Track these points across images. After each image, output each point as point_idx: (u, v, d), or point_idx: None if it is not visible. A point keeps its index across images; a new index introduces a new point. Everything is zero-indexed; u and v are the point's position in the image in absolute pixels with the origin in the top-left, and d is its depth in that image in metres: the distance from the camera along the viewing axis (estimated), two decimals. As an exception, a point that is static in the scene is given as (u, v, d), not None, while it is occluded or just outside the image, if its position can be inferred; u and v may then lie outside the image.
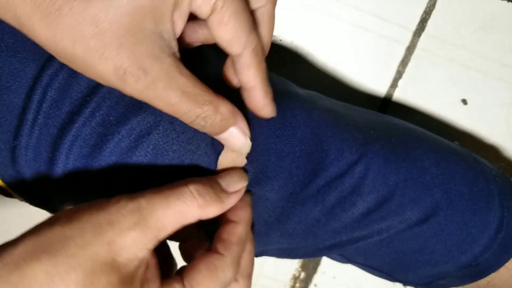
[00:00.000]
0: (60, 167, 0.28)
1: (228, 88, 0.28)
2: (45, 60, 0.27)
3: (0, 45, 0.27)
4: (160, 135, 0.28)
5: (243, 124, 0.27)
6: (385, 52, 0.44)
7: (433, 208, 0.32)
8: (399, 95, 0.46)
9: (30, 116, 0.27)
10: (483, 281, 0.35)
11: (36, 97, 0.27)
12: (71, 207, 0.24)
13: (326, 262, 0.53)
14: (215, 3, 0.23)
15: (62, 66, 0.27)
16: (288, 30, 0.43)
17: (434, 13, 0.43)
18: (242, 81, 0.26)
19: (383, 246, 0.34)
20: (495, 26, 0.43)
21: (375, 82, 0.45)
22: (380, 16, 0.43)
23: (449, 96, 0.46)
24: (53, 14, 0.21)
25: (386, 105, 0.46)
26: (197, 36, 0.28)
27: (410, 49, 0.44)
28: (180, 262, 0.29)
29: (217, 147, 0.29)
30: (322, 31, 0.43)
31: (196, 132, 0.28)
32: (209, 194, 0.25)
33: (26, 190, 0.31)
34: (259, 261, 0.53)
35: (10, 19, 0.22)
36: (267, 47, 0.27)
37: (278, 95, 0.31)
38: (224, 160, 0.29)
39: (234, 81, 0.28)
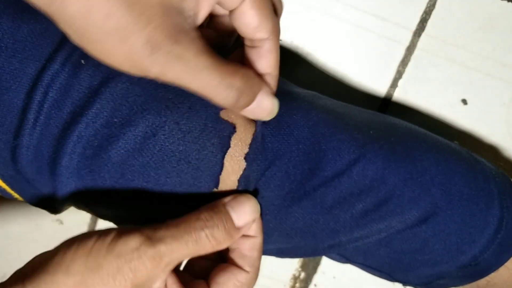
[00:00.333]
0: (63, 168, 0.28)
1: None
2: (45, 60, 0.27)
3: (0, 45, 0.27)
4: (166, 136, 0.28)
5: (267, 85, 0.28)
6: (385, 52, 0.44)
7: (433, 208, 0.32)
8: (399, 95, 0.46)
9: (31, 116, 0.27)
10: (482, 281, 0.35)
11: (37, 97, 0.27)
12: (82, 242, 0.25)
13: (326, 262, 0.53)
14: None
15: (63, 66, 0.27)
16: (288, 30, 0.43)
17: (434, 13, 0.43)
18: (260, 68, 0.27)
19: (383, 246, 0.34)
20: (495, 26, 0.43)
21: (375, 82, 0.45)
22: (380, 16, 0.43)
23: (449, 96, 0.46)
24: None
25: (386, 105, 0.46)
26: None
27: (410, 49, 0.44)
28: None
29: (223, 146, 0.29)
30: (322, 31, 0.43)
31: (201, 131, 0.28)
32: (223, 235, 0.27)
33: (26, 190, 0.31)
34: (259, 261, 0.53)
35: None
36: None
37: (277, 95, 0.31)
38: (229, 159, 0.29)
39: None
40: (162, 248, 0.25)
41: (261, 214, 0.30)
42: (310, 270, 0.53)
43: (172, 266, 0.26)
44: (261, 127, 0.30)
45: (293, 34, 0.44)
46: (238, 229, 0.27)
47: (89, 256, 0.24)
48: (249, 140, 0.29)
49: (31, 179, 0.30)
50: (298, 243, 0.33)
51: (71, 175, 0.29)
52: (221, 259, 0.30)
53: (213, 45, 0.28)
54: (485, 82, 0.45)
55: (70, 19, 0.22)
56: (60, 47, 0.27)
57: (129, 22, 0.22)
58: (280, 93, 0.31)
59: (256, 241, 0.29)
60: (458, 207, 0.33)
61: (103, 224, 0.50)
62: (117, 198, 0.29)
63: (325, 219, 0.31)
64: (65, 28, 0.22)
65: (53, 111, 0.27)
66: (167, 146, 0.28)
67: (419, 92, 0.46)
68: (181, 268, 0.30)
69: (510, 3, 0.42)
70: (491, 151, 0.47)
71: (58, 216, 0.50)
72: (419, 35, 0.44)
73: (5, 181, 0.31)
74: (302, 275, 0.53)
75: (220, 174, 0.29)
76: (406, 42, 0.44)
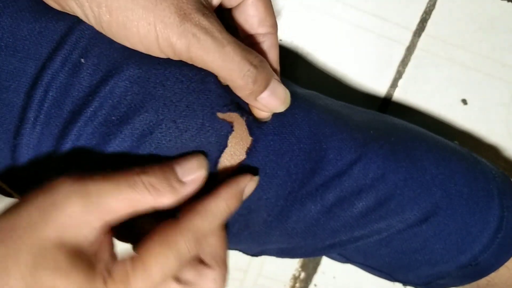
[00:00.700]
0: None
1: None
2: (45, 59, 0.27)
3: (0, 44, 0.27)
4: (162, 134, 0.28)
5: (277, 74, 0.28)
6: (385, 52, 0.44)
7: (433, 208, 0.32)
8: (399, 95, 0.46)
9: (31, 115, 0.27)
10: (483, 281, 0.35)
11: (37, 96, 0.27)
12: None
13: (326, 262, 0.53)
14: None
15: (63, 65, 0.27)
16: (288, 30, 0.43)
17: (434, 13, 0.43)
18: None
19: (383, 246, 0.34)
20: (495, 26, 0.43)
21: (375, 82, 0.45)
22: (380, 16, 0.43)
23: (449, 96, 0.46)
24: None
25: (386, 105, 0.46)
26: None
27: (410, 49, 0.44)
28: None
29: (220, 145, 0.29)
30: (322, 31, 0.43)
31: (199, 130, 0.28)
32: (162, 184, 0.25)
33: (26, 189, 0.31)
34: (259, 261, 0.53)
35: None
36: None
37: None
38: (226, 157, 0.29)
39: None
40: (90, 185, 0.24)
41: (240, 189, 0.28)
42: (310, 270, 0.53)
43: (104, 214, 0.24)
44: (262, 126, 0.30)
45: (293, 34, 0.44)
46: (181, 182, 0.26)
47: (24, 198, 0.24)
48: (247, 139, 0.29)
49: (31, 178, 0.30)
50: (299, 243, 0.33)
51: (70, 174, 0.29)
52: None
53: None
54: (485, 82, 0.45)
55: None
56: (60, 46, 0.27)
57: None
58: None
59: (203, 198, 0.27)
60: (458, 206, 0.33)
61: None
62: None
63: (326, 218, 0.31)
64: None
65: (53, 110, 0.27)
66: (164, 144, 0.28)
67: (419, 92, 0.46)
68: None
69: (510, 3, 0.42)
70: (491, 151, 0.47)
71: (58, 216, 0.50)
72: (419, 35, 0.44)
73: (5, 181, 0.31)
74: (302, 275, 0.53)
75: (217, 173, 0.29)
76: (406, 42, 0.44)
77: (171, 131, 0.28)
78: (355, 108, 0.36)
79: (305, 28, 0.43)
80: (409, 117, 0.45)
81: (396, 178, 0.32)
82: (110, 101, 0.27)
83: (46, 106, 0.27)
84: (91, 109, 0.27)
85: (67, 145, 0.28)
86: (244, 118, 0.30)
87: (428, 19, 0.43)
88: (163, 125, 0.28)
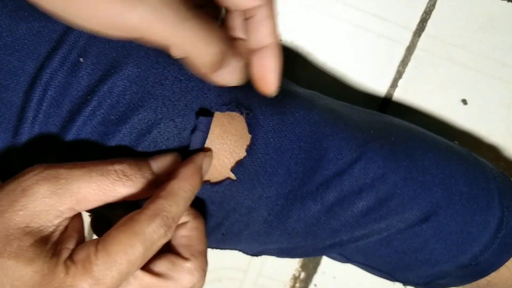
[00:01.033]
0: None
1: None
2: (44, 58, 0.27)
3: (-1, 43, 0.27)
4: (161, 133, 0.28)
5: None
6: (385, 52, 0.44)
7: (433, 208, 0.32)
8: (399, 95, 0.46)
9: (30, 115, 0.27)
10: (483, 281, 0.35)
11: (36, 96, 0.27)
12: None
13: (326, 262, 0.53)
14: None
15: (62, 64, 0.27)
16: (288, 30, 0.43)
17: (434, 13, 0.43)
18: (255, 40, 0.25)
19: (383, 246, 0.33)
20: (495, 26, 0.43)
21: (375, 82, 0.45)
22: (380, 16, 0.43)
23: (449, 96, 0.45)
24: None
25: (386, 105, 0.46)
26: None
27: (410, 49, 0.44)
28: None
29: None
30: (322, 31, 0.43)
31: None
32: (135, 175, 0.25)
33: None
34: (259, 261, 0.53)
35: None
36: None
37: (278, 94, 0.31)
38: (226, 155, 0.29)
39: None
40: (61, 171, 0.23)
41: (199, 168, 0.27)
42: (310, 270, 0.53)
43: (73, 200, 0.23)
44: (262, 123, 0.30)
45: (293, 34, 0.44)
46: (154, 173, 0.26)
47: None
48: (247, 137, 0.29)
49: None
50: (299, 242, 0.33)
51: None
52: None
53: None
54: (485, 82, 0.45)
55: None
56: (58, 45, 0.27)
57: None
58: (281, 92, 0.31)
59: (190, 226, 0.28)
60: (458, 206, 0.33)
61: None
62: None
63: (326, 218, 0.31)
64: None
65: (52, 110, 0.27)
66: (163, 143, 0.28)
67: (419, 92, 0.45)
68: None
69: (510, 3, 0.42)
70: (491, 151, 0.47)
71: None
72: (419, 35, 0.44)
73: (4, 179, 0.31)
74: (302, 275, 0.53)
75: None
76: (406, 42, 0.44)
77: (169, 130, 0.28)
78: (355, 108, 0.36)
79: (305, 28, 0.43)
80: (409, 117, 0.45)
81: (397, 178, 0.32)
82: (109, 100, 0.27)
83: (45, 105, 0.27)
84: (90, 108, 0.27)
85: (66, 144, 0.28)
86: (244, 116, 0.30)
87: (428, 19, 0.43)
88: (162, 124, 0.28)
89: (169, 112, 0.28)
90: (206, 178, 0.30)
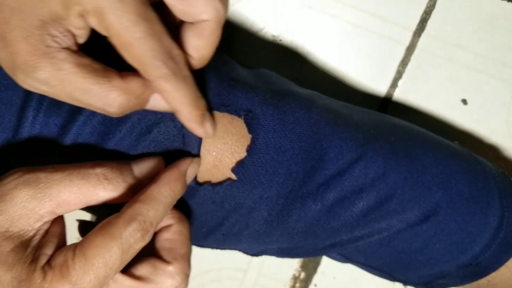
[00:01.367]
0: None
1: None
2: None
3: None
4: (161, 133, 0.28)
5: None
6: (385, 52, 0.44)
7: (433, 208, 0.32)
8: (399, 95, 0.46)
9: (30, 114, 0.27)
10: (483, 281, 0.35)
11: (36, 95, 0.27)
12: None
13: (326, 262, 0.53)
14: None
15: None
16: (288, 30, 0.43)
17: (434, 13, 0.43)
18: (195, 51, 0.26)
19: (383, 246, 0.33)
20: (495, 26, 0.43)
21: (375, 82, 0.45)
22: (380, 16, 0.43)
23: (449, 96, 0.45)
24: None
25: (386, 105, 0.46)
26: None
27: (410, 49, 0.44)
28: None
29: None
30: (322, 31, 0.43)
31: None
32: (116, 178, 0.25)
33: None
34: (259, 261, 0.53)
35: None
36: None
37: (278, 94, 0.31)
38: (227, 155, 0.29)
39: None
40: (41, 175, 0.23)
41: (182, 174, 0.27)
42: (310, 270, 0.53)
43: (53, 204, 0.23)
44: (263, 123, 0.30)
45: (293, 34, 0.44)
46: (136, 178, 0.26)
47: None
48: (247, 137, 0.29)
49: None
50: (299, 242, 0.33)
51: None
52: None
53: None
54: (485, 82, 0.45)
55: None
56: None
57: None
58: (281, 92, 0.31)
59: (173, 229, 0.28)
60: (458, 206, 0.33)
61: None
62: None
63: (326, 217, 0.31)
64: None
65: (52, 109, 0.27)
66: (163, 143, 0.28)
67: (419, 92, 0.45)
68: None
69: (510, 3, 0.42)
70: (491, 151, 0.47)
71: (58, 216, 0.50)
72: (419, 35, 0.44)
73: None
74: (302, 275, 0.53)
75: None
76: (406, 42, 0.44)
77: (169, 130, 0.28)
78: (355, 107, 0.36)
79: (305, 28, 0.43)
80: (409, 117, 0.45)
81: (397, 178, 0.32)
82: None
83: (45, 105, 0.27)
84: None
85: (66, 144, 0.28)
86: (243, 116, 0.30)
87: (428, 19, 0.43)
88: (162, 124, 0.28)
89: (169, 112, 0.28)
90: (207, 178, 0.30)
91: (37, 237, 0.24)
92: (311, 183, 0.30)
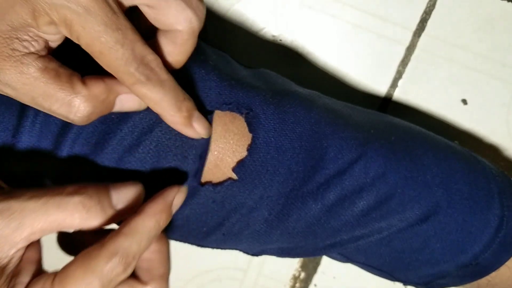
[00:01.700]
0: None
1: None
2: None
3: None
4: (162, 132, 0.28)
5: (126, 88, 0.25)
6: (385, 52, 0.44)
7: (433, 207, 0.32)
8: (399, 95, 0.46)
9: (30, 113, 0.27)
10: (483, 280, 0.35)
11: None
12: None
13: (326, 262, 0.53)
14: None
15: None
16: (288, 30, 0.43)
17: (434, 13, 0.43)
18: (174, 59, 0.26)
19: (383, 245, 0.33)
20: (495, 26, 0.43)
21: (375, 82, 0.45)
22: (380, 16, 0.43)
23: (449, 96, 0.46)
24: None
25: (386, 105, 0.46)
26: None
27: (410, 49, 0.44)
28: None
29: None
30: (322, 31, 0.43)
31: None
32: (94, 208, 0.24)
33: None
34: (259, 261, 0.53)
35: None
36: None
37: (278, 94, 0.31)
38: (228, 154, 0.29)
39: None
40: (13, 203, 0.23)
41: (168, 204, 0.26)
42: (310, 270, 0.53)
43: (27, 233, 0.23)
44: (263, 122, 0.30)
45: (293, 34, 0.44)
46: (113, 206, 0.25)
47: None
48: (247, 136, 0.29)
49: (30, 177, 0.30)
50: (299, 242, 0.33)
51: (69, 173, 0.29)
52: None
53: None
54: (485, 82, 0.45)
55: None
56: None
57: None
58: (281, 92, 0.31)
59: (152, 248, 0.27)
60: (459, 206, 0.33)
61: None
62: None
63: (327, 217, 0.31)
64: None
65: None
66: (164, 142, 0.28)
67: (419, 92, 0.46)
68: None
69: (510, 3, 0.42)
70: (491, 151, 0.47)
71: (58, 216, 0.49)
72: (419, 35, 0.44)
73: (3, 179, 0.31)
74: (302, 275, 0.53)
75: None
76: (406, 42, 0.44)
77: (171, 128, 0.28)
78: (355, 107, 0.36)
79: (305, 28, 0.43)
80: (409, 117, 0.45)
81: (397, 177, 0.32)
82: None
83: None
84: None
85: (67, 143, 0.28)
86: (244, 115, 0.30)
87: (428, 19, 0.43)
88: (163, 123, 0.28)
89: None
90: (208, 178, 0.30)
91: (11, 265, 0.23)
92: (311, 183, 0.31)
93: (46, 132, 0.28)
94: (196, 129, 0.27)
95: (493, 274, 0.35)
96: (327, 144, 0.31)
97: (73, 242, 0.28)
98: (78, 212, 0.24)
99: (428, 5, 0.43)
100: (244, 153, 0.29)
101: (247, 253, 0.36)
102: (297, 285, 0.53)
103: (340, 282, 0.53)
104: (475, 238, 0.33)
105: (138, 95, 0.25)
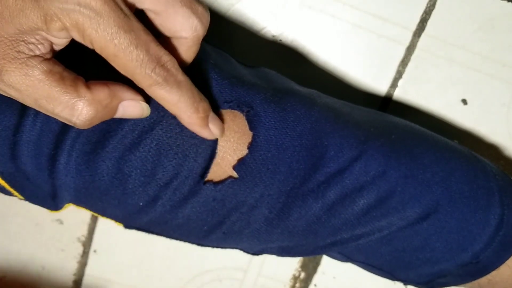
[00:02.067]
0: (62, 164, 0.28)
1: None
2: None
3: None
4: (163, 131, 0.28)
5: (129, 94, 0.26)
6: (385, 52, 0.44)
7: (434, 205, 0.32)
8: (399, 95, 0.46)
9: (31, 112, 0.27)
10: (483, 279, 0.35)
11: None
12: None
13: (326, 262, 0.52)
14: None
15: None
16: (288, 30, 0.43)
17: (434, 13, 0.43)
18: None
19: (384, 244, 0.33)
20: (495, 26, 0.43)
21: (375, 82, 0.45)
22: (380, 16, 0.43)
23: (449, 96, 0.46)
24: None
25: (386, 105, 0.46)
26: None
27: (410, 49, 0.44)
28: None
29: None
30: (322, 31, 0.44)
31: None
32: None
33: (26, 187, 0.31)
34: (259, 261, 0.53)
35: None
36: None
37: (279, 92, 0.31)
38: (229, 152, 0.29)
39: None
40: None
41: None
42: (310, 270, 0.53)
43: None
44: (264, 120, 0.30)
45: (294, 34, 0.44)
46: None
47: None
48: (248, 134, 0.29)
49: (31, 176, 0.30)
50: (300, 241, 0.33)
51: (70, 172, 0.29)
52: None
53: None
54: (485, 82, 0.45)
55: None
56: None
57: None
58: (281, 91, 0.32)
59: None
60: (459, 204, 0.33)
61: (103, 224, 0.50)
62: (115, 194, 0.29)
63: (327, 216, 0.31)
64: None
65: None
66: (165, 140, 0.28)
67: (419, 92, 0.46)
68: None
69: (510, 3, 0.42)
70: (491, 151, 0.47)
71: (58, 216, 0.49)
72: (419, 35, 0.44)
73: (4, 178, 0.31)
74: (302, 275, 0.53)
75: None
76: (406, 42, 0.44)
77: (172, 127, 0.28)
78: (355, 106, 0.36)
79: (305, 28, 0.43)
80: (409, 117, 0.45)
81: (397, 176, 0.32)
82: None
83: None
84: None
85: (67, 142, 0.28)
86: (244, 113, 0.30)
87: (428, 19, 0.43)
88: (164, 121, 0.28)
89: None
90: (209, 177, 0.30)
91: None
92: (312, 181, 0.31)
93: (47, 131, 0.28)
94: (211, 130, 0.27)
95: (494, 273, 0.35)
96: (327, 142, 0.31)
97: None
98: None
99: (428, 5, 0.43)
100: (244, 151, 0.29)
101: (248, 252, 0.36)
102: (297, 285, 0.53)
103: (340, 282, 0.53)
104: (475, 237, 0.33)
105: (156, 97, 0.25)
